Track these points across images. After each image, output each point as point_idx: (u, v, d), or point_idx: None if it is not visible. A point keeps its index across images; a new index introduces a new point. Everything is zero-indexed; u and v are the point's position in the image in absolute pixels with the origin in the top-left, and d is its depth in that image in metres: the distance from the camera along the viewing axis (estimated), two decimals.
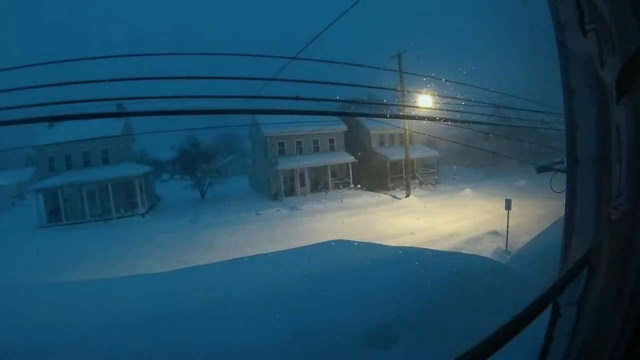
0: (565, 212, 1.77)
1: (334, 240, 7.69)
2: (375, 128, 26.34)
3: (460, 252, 8.51)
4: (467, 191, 21.97)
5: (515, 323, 1.15)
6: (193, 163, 26.79)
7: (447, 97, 9.11)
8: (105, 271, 9.48)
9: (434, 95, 9.62)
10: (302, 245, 7.67)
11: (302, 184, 24.62)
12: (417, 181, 25.92)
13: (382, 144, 27.51)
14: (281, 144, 25.21)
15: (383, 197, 23.27)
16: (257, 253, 8.32)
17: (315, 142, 25.96)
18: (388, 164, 25.69)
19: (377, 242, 9.68)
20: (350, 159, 25.55)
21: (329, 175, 25.19)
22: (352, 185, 25.14)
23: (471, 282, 4.26)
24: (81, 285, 6.13)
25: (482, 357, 1.03)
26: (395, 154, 25.72)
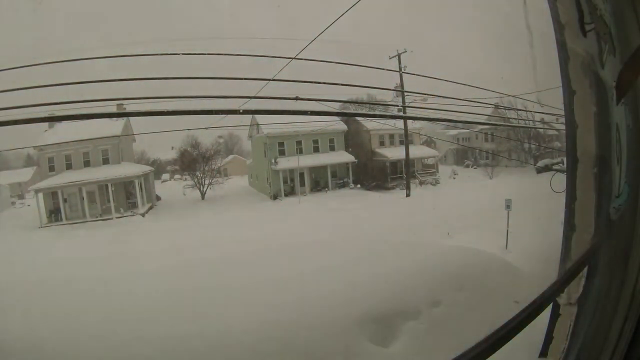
0: (565, 212, 1.77)
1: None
2: (375, 128, 26.32)
3: (462, 247, 8.49)
4: (467, 191, 21.97)
5: (515, 323, 1.15)
6: (193, 163, 26.75)
7: (447, 97, 9.11)
8: None
9: (434, 95, 9.62)
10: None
11: (302, 184, 24.61)
12: (417, 181, 25.92)
13: (382, 144, 27.48)
14: (281, 144, 25.18)
15: (383, 196, 23.28)
16: None
17: (315, 142, 25.93)
18: (388, 164, 25.68)
19: (380, 239, 9.67)
20: (350, 159, 25.53)
21: (329, 175, 25.18)
22: (352, 185, 25.14)
23: (472, 274, 4.29)
24: None
25: (482, 357, 1.03)
26: (395, 154, 25.71)
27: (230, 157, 38.03)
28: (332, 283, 4.41)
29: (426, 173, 27.51)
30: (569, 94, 1.69)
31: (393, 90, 19.70)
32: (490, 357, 1.04)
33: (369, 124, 25.86)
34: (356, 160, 25.51)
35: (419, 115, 14.58)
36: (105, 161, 22.69)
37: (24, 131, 19.53)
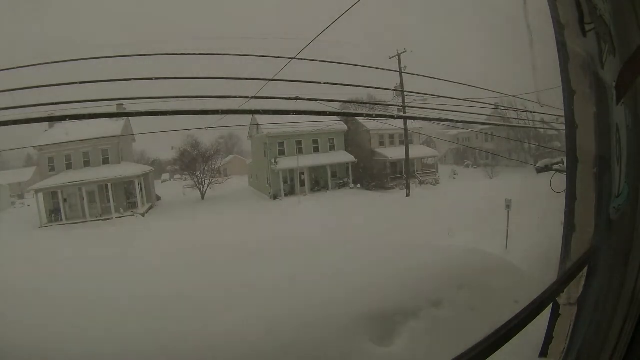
0: (565, 212, 1.77)
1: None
2: (375, 128, 26.34)
3: (462, 247, 8.51)
4: (467, 191, 21.96)
5: (515, 323, 1.15)
6: (193, 163, 26.76)
7: (447, 97, 9.12)
8: None
9: (434, 95, 9.62)
10: None
11: (302, 184, 24.62)
12: (417, 181, 25.94)
13: (382, 144, 27.49)
14: (281, 144, 25.19)
15: (383, 196, 23.29)
16: None
17: (315, 142, 25.93)
18: (388, 164, 25.70)
19: (379, 239, 9.68)
20: (350, 158, 25.54)
21: (329, 175, 25.19)
22: (352, 185, 25.15)
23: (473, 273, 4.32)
24: None
25: (482, 357, 1.03)
26: (395, 154, 25.73)
27: (230, 157, 38.05)
28: (333, 282, 4.41)
29: (426, 173, 27.52)
30: (569, 94, 1.69)
31: (393, 90, 19.72)
32: (490, 357, 1.04)
33: (369, 124, 25.87)
34: (356, 160, 25.53)
35: (419, 115, 14.60)
36: (105, 161, 22.70)
37: (24, 131, 19.54)
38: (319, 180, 25.26)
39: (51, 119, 6.01)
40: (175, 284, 5.48)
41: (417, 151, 26.58)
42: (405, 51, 21.55)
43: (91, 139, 21.51)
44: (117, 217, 20.86)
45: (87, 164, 22.37)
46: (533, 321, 1.20)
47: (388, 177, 25.67)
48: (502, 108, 17.77)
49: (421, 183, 26.21)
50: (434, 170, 27.73)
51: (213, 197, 25.83)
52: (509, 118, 18.41)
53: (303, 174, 24.65)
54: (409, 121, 22.16)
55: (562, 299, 1.61)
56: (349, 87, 8.22)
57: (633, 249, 1.32)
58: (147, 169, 25.06)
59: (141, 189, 22.43)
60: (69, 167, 22.19)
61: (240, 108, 5.84)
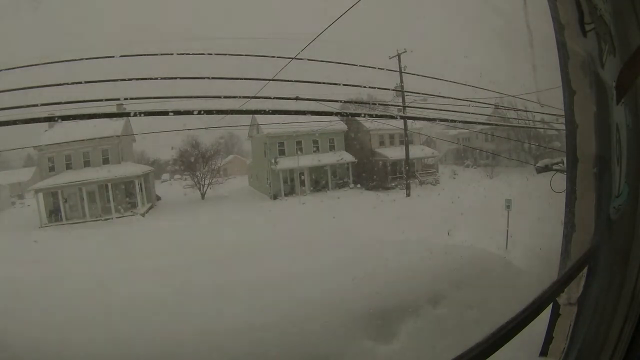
0: (565, 212, 1.77)
1: None
2: (375, 128, 26.34)
3: (462, 246, 8.51)
4: (467, 191, 21.94)
5: (515, 323, 1.15)
6: (193, 163, 26.76)
7: (447, 97, 9.12)
8: None
9: (434, 95, 9.63)
10: None
11: (302, 184, 24.63)
12: (417, 181, 25.94)
13: (382, 144, 27.49)
14: (281, 144, 25.19)
15: (383, 196, 23.29)
16: None
17: (315, 142, 25.93)
18: (388, 164, 25.71)
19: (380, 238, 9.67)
20: (350, 158, 25.55)
21: (329, 175, 25.20)
22: (352, 185, 25.16)
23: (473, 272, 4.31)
24: None
25: (482, 357, 1.03)
26: (395, 154, 25.74)
27: (230, 157, 38.01)
28: (332, 281, 4.42)
29: (426, 173, 27.52)
30: (569, 94, 1.69)
31: (393, 90, 19.73)
32: (491, 357, 1.04)
33: (369, 124, 25.87)
34: (356, 160, 25.53)
35: (419, 115, 14.62)
36: (105, 161, 22.69)
37: (24, 131, 19.56)
38: (319, 180, 25.27)
39: (51, 119, 6.01)
40: (174, 284, 5.48)
41: (417, 151, 26.59)
42: (405, 51, 21.54)
43: (91, 139, 21.50)
44: (117, 217, 20.86)
45: (87, 164, 22.37)
46: (533, 321, 1.20)
47: (388, 177, 25.68)
48: (502, 108, 17.78)
49: (421, 183, 26.21)
50: (434, 170, 27.73)
51: (213, 197, 25.84)
52: (509, 118, 18.42)
53: (303, 174, 24.66)
54: (409, 121, 22.17)
55: (562, 299, 1.61)
56: (349, 87, 8.23)
57: (633, 249, 1.32)
58: (147, 169, 25.05)
59: (141, 189, 22.44)
60: (69, 167, 22.19)
61: (240, 108, 5.84)
